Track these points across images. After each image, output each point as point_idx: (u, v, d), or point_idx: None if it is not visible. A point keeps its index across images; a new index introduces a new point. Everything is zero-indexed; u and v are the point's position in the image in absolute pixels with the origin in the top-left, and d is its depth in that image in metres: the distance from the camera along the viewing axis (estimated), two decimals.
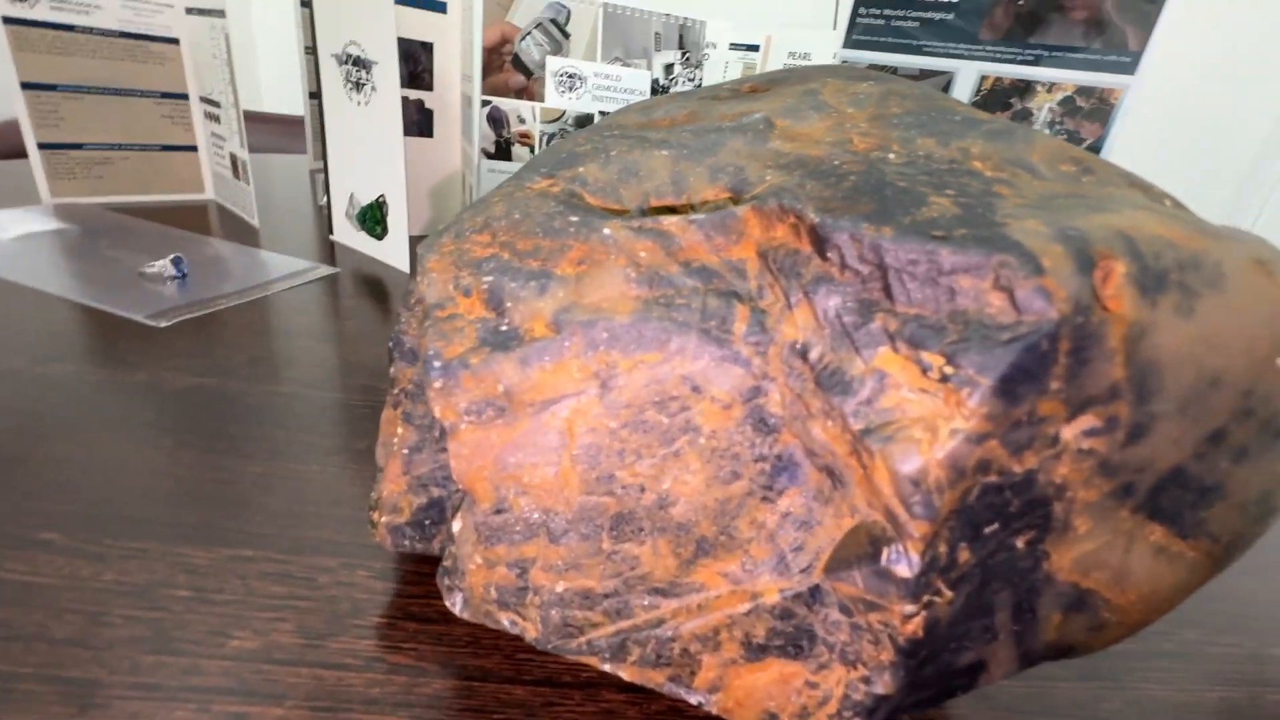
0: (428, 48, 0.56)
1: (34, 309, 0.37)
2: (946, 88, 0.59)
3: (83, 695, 0.17)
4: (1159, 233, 0.12)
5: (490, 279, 0.16)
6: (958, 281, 0.12)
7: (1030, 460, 0.12)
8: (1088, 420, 0.12)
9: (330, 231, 0.57)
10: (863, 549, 0.13)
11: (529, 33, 0.67)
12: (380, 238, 0.53)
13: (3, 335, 0.34)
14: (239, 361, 0.34)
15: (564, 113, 0.68)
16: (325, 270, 0.49)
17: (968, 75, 0.58)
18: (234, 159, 0.58)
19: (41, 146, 0.54)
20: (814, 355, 0.13)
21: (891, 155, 0.17)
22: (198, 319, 0.38)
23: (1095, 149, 0.55)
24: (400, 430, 0.19)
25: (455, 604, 0.17)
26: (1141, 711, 0.21)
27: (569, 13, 0.68)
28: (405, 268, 0.51)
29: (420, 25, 0.54)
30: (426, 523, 0.19)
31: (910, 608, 0.13)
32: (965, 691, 0.16)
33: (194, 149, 0.62)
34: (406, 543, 0.19)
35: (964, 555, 0.13)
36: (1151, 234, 0.12)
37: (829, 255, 0.13)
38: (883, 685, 0.14)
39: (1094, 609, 0.15)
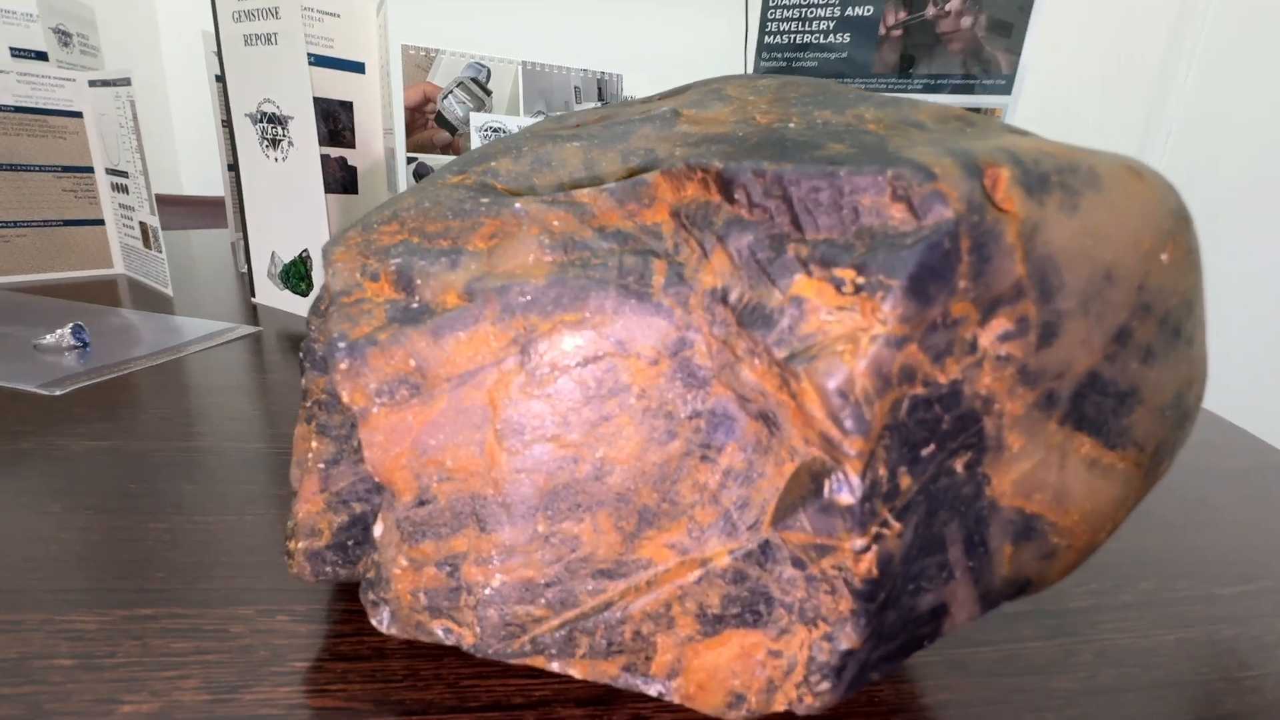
0: (347, 106, 0.56)
1: None
2: None
3: None
4: (1036, 147, 0.13)
5: (398, 260, 0.15)
6: (860, 201, 0.12)
7: (953, 369, 0.12)
8: (1000, 324, 0.12)
9: (252, 294, 0.55)
10: (805, 489, 0.13)
11: (450, 91, 0.68)
12: (305, 294, 0.51)
13: None
14: (145, 421, 0.31)
15: None
16: (246, 330, 0.46)
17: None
18: (144, 228, 0.56)
19: None
20: (733, 297, 0.13)
21: (792, 125, 0.17)
22: (101, 384, 0.35)
23: None
24: (315, 444, 0.17)
25: (382, 620, 0.15)
26: (1110, 660, 0.20)
27: (489, 71, 0.70)
28: None
29: (339, 85, 0.55)
30: (349, 543, 0.17)
31: (860, 541, 0.12)
32: (931, 641, 0.15)
33: (100, 222, 0.60)
34: (329, 569, 0.18)
35: (905, 480, 0.12)
36: (1030, 148, 0.13)
37: (737, 197, 0.14)
38: (846, 639, 0.13)
39: (1042, 535, 0.15)
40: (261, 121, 0.48)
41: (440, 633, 0.15)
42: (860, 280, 0.11)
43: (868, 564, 0.13)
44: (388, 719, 0.16)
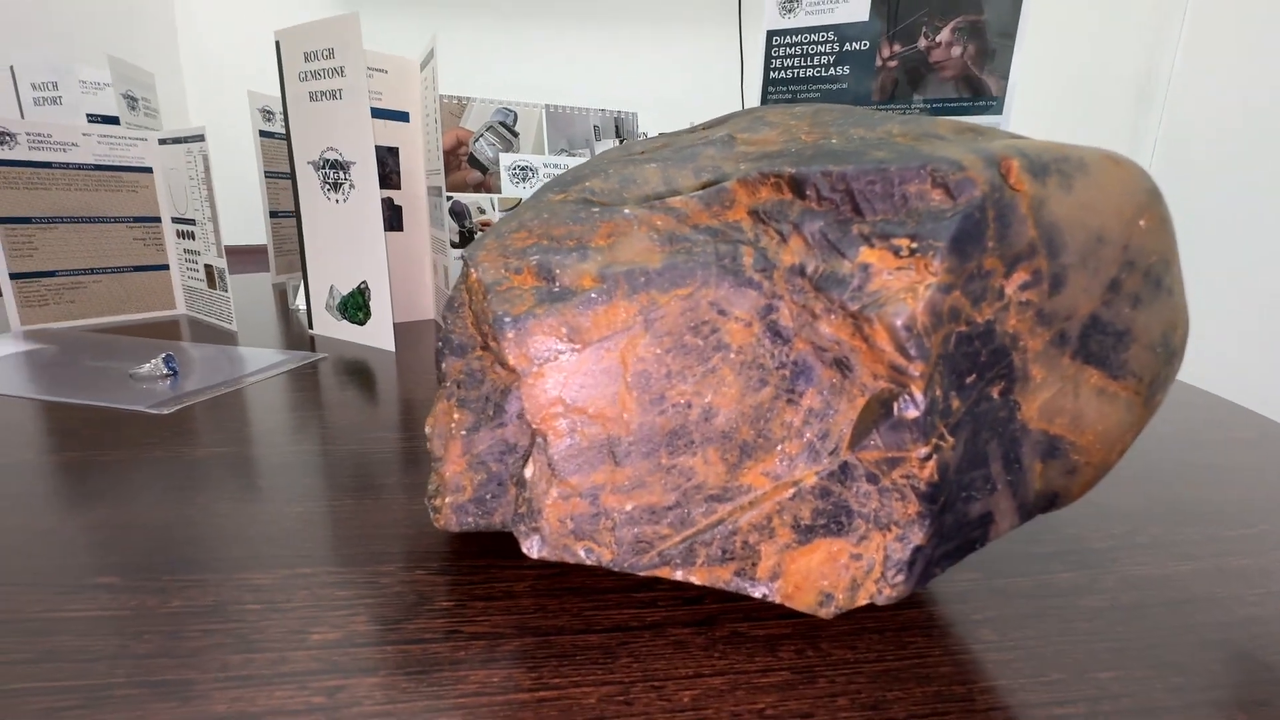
0: (394, 151, 0.61)
1: (27, 414, 0.37)
2: None
3: (180, 691, 0.17)
4: (1036, 145, 0.17)
5: (536, 257, 0.19)
6: (908, 189, 0.16)
7: (987, 311, 0.16)
8: (1020, 276, 0.16)
9: (310, 326, 0.59)
10: (876, 415, 0.16)
11: (481, 135, 0.74)
12: (363, 323, 0.55)
13: (2, 436, 0.34)
14: (250, 432, 0.35)
15: (519, 200, 0.74)
16: (309, 358, 0.51)
17: None
18: (209, 270, 0.60)
19: (14, 276, 0.55)
20: (810, 269, 0.17)
21: (834, 141, 0.22)
22: (200, 404, 0.39)
23: None
24: (456, 416, 0.21)
25: (532, 547, 0.18)
26: (1130, 584, 0.23)
27: (515, 115, 0.75)
28: (390, 347, 0.53)
29: (386, 132, 0.60)
30: (488, 497, 0.21)
31: (923, 449, 0.16)
32: (981, 544, 0.18)
33: (165, 268, 0.64)
34: (470, 520, 0.21)
35: (955, 403, 0.16)
36: (1031, 145, 0.17)
37: (808, 194, 0.17)
38: (915, 537, 0.17)
39: (1064, 453, 0.18)
40: (324, 168, 0.53)
41: (583, 553, 0.18)
42: (914, 245, 0.15)
43: (930, 470, 0.16)
44: (528, 638, 0.20)
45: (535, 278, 0.19)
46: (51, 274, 0.57)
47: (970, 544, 0.18)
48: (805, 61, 0.68)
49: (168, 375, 0.44)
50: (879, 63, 0.65)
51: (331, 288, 0.56)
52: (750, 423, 0.18)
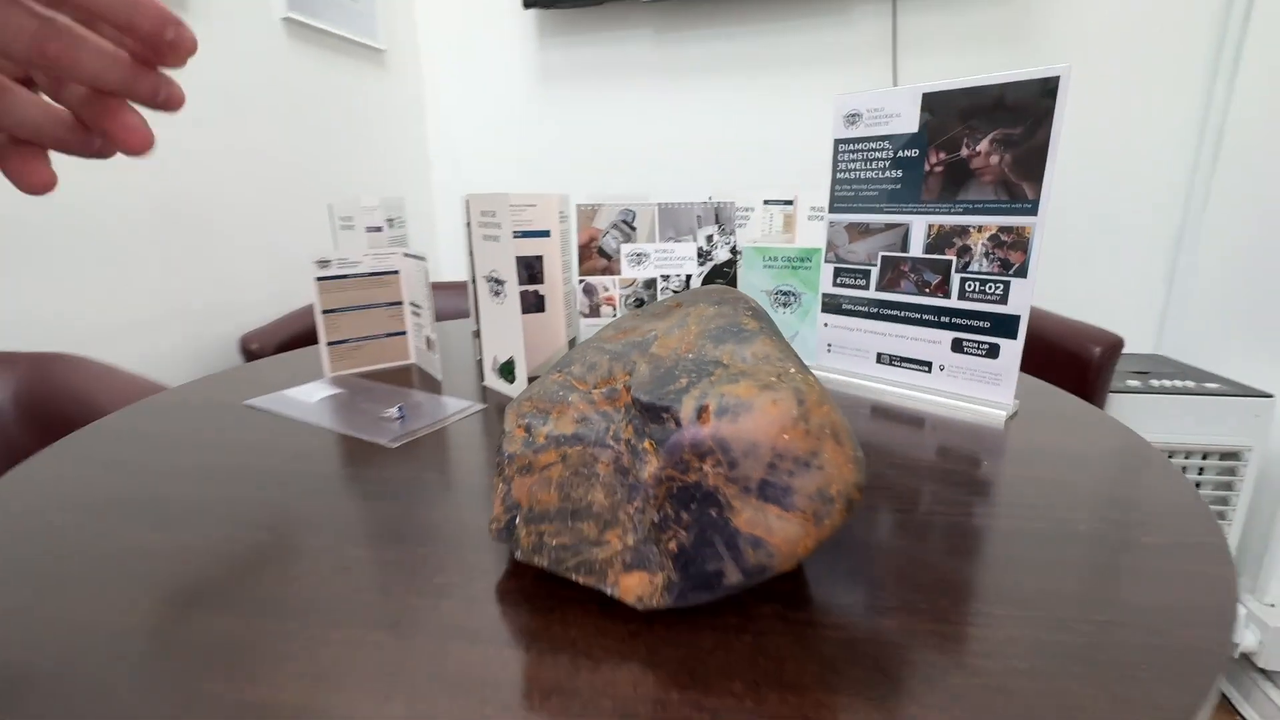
0: (539, 259, 0.87)
1: (321, 440, 0.69)
2: (905, 235, 0.78)
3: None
4: (737, 390, 0.34)
5: (527, 420, 0.40)
6: (663, 413, 0.34)
7: (693, 476, 0.33)
8: (709, 460, 0.33)
9: (482, 380, 0.88)
10: (652, 519, 0.35)
11: (608, 231, 0.98)
12: (512, 382, 0.82)
13: (308, 450, 0.65)
14: (448, 459, 0.62)
15: (635, 280, 0.96)
16: (479, 407, 0.78)
17: (919, 225, 0.77)
18: (428, 339, 0.92)
19: (329, 343, 0.92)
20: (632, 442, 0.36)
21: (690, 355, 0.40)
22: (413, 440, 0.68)
23: (1023, 270, 0.70)
24: (499, 482, 0.44)
25: (516, 553, 0.40)
26: (1022, 535, 0.38)
27: (634, 214, 0.98)
28: None
29: (534, 246, 0.86)
30: (509, 526, 0.43)
31: (669, 534, 0.34)
32: (719, 586, 0.36)
33: (404, 334, 0.99)
34: (504, 536, 0.43)
35: (684, 516, 0.34)
36: (734, 391, 0.34)
37: (633, 405, 0.37)
38: (674, 577, 0.35)
39: (764, 545, 0.35)
40: (490, 280, 0.80)
41: (536, 559, 0.39)
42: (655, 445, 0.34)
43: (674, 545, 0.34)
44: (557, 584, 0.41)
45: (523, 431, 0.40)
46: (345, 341, 0.93)
47: (710, 585, 0.35)
48: (865, 165, 0.80)
49: (399, 418, 0.75)
50: (927, 167, 0.75)
51: (494, 357, 0.84)
52: (609, 511, 0.37)
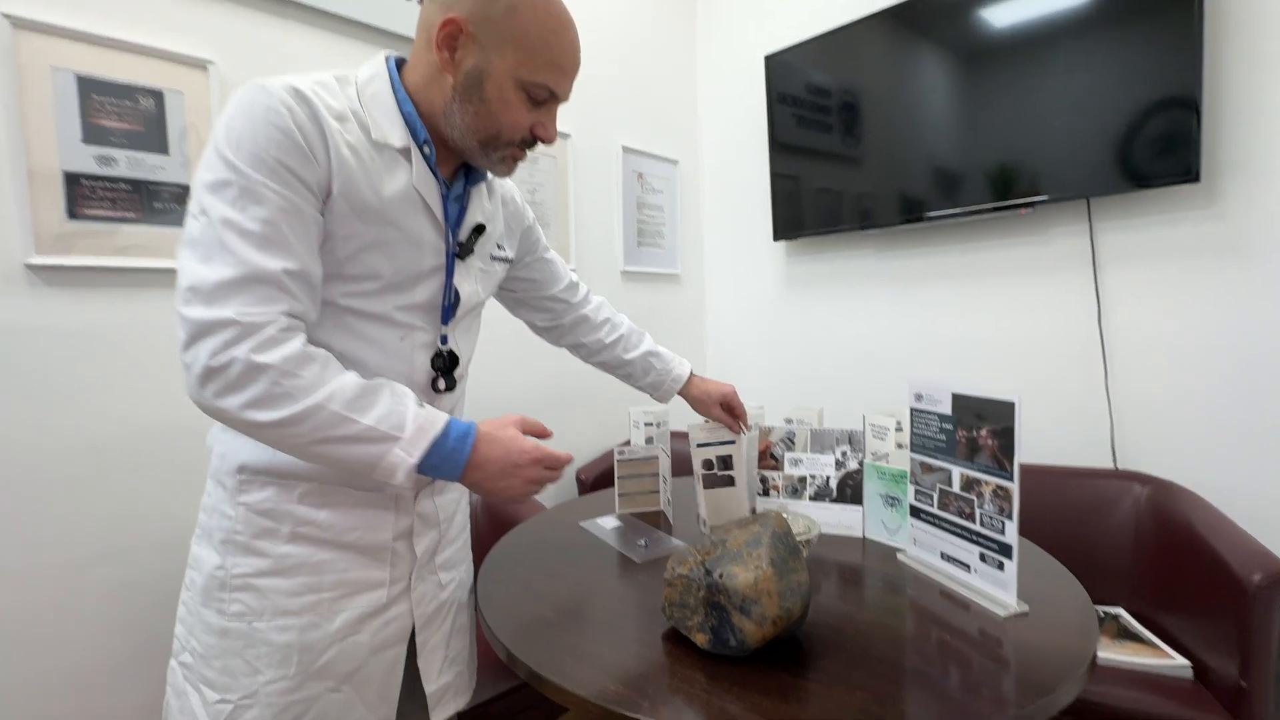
0: (729, 456, 1.52)
1: (609, 553, 1.42)
2: (950, 477, 1.22)
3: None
4: (735, 569, 0.94)
5: (672, 561, 1.05)
6: (714, 574, 0.96)
7: (718, 598, 0.94)
8: (722, 596, 0.93)
9: (700, 526, 1.54)
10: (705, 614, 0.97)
11: (776, 443, 1.58)
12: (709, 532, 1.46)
13: (579, 557, 1.38)
14: (658, 573, 1.29)
15: (792, 476, 1.55)
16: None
17: (956, 473, 1.21)
18: (667, 500, 1.64)
19: (620, 494, 1.70)
20: (701, 580, 0.98)
21: (734, 549, 1.00)
22: (651, 561, 1.37)
23: (1010, 514, 1.09)
24: (665, 588, 1.08)
25: (668, 620, 1.04)
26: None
27: (794, 433, 1.57)
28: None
29: (725, 449, 1.51)
30: (665, 606, 1.07)
31: (710, 619, 0.95)
32: (727, 648, 0.94)
33: (657, 492, 1.72)
34: (664, 610, 1.08)
35: (713, 614, 0.95)
36: (734, 569, 0.94)
37: (701, 565, 0.99)
38: (711, 637, 0.95)
39: (744, 632, 0.92)
40: (704, 471, 1.48)
41: (671, 621, 1.02)
42: (707, 585, 0.95)
43: (711, 624, 0.95)
44: (678, 635, 1.03)
45: (671, 567, 1.05)
46: (627, 494, 1.71)
47: (726, 644, 0.94)
48: (926, 427, 1.28)
49: (645, 546, 1.45)
50: (958, 439, 1.20)
51: (698, 515, 1.50)
52: (694, 606, 1.00)
